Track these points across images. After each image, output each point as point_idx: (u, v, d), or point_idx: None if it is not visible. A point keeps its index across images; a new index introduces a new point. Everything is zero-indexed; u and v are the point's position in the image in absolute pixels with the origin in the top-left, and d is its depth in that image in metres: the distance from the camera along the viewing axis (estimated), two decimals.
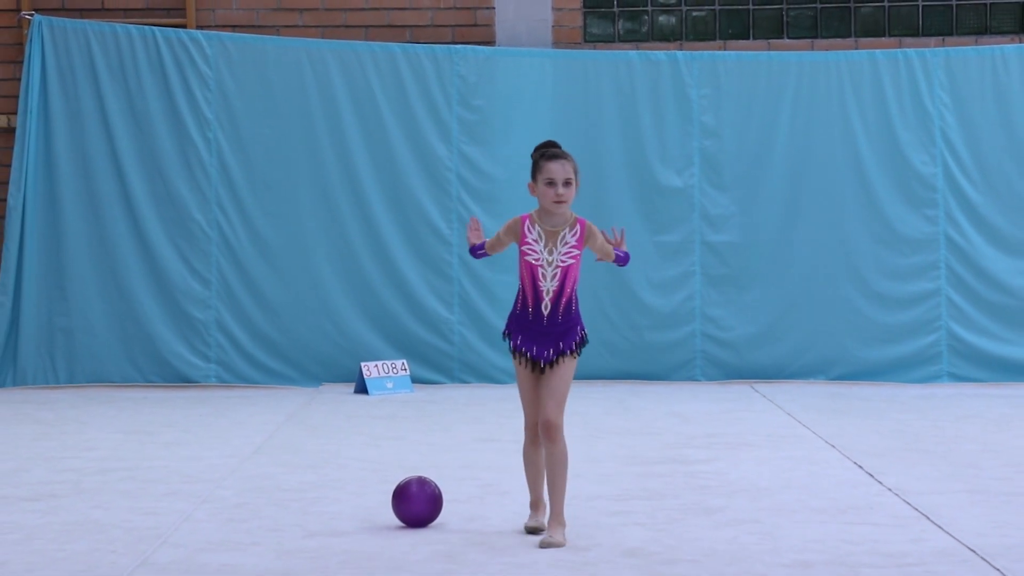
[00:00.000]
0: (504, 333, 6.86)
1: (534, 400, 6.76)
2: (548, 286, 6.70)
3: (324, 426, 10.76)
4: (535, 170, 6.74)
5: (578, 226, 6.76)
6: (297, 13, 13.95)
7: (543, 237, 6.71)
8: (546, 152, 6.73)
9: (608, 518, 7.27)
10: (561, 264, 6.69)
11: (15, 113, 13.48)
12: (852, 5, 14.03)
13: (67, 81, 13.30)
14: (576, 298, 6.79)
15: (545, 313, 6.71)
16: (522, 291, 6.75)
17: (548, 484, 6.75)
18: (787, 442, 9.85)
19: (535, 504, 6.93)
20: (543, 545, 6.55)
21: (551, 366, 6.72)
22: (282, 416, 11.24)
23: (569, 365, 6.74)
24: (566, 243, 6.71)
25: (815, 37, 14.04)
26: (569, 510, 7.37)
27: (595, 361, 13.13)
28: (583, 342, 6.79)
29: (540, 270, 6.69)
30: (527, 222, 6.74)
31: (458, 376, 13.37)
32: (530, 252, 6.70)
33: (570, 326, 6.74)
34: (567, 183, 6.67)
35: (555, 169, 6.67)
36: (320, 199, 13.38)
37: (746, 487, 8.12)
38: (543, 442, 6.73)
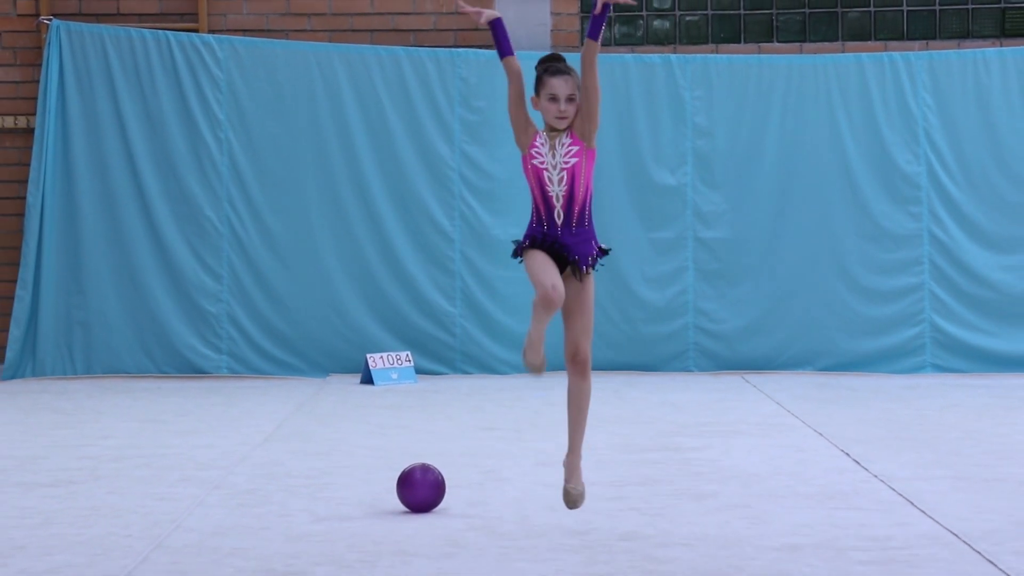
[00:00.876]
0: (517, 248, 6.43)
1: (547, 265, 6.27)
2: (557, 191, 6.33)
3: (332, 415, 10.76)
4: (538, 84, 6.39)
5: (570, 129, 6.37)
6: (305, 18, 13.94)
7: (547, 142, 6.36)
8: (550, 67, 6.38)
9: (604, 504, 7.27)
10: (565, 166, 6.33)
11: (34, 114, 13.47)
12: (839, 10, 14.02)
13: (84, 83, 13.30)
14: (590, 210, 6.41)
15: (559, 221, 6.34)
16: (534, 204, 6.39)
17: (572, 418, 6.47)
18: (777, 430, 9.85)
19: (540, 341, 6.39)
20: (568, 498, 6.31)
21: (575, 273, 6.31)
22: (291, 405, 11.24)
23: (589, 287, 6.38)
24: (563, 144, 6.34)
25: (804, 41, 14.03)
26: None
27: (591, 352, 13.16)
28: (600, 253, 6.42)
29: (546, 174, 6.32)
30: (539, 134, 6.37)
31: (460, 367, 13.36)
32: (536, 155, 6.34)
33: (585, 238, 6.38)
34: (570, 99, 6.31)
35: (557, 84, 6.32)
36: (327, 197, 13.38)
37: (737, 474, 8.12)
38: (572, 376, 6.41)
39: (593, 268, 6.42)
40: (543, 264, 6.30)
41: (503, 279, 13.25)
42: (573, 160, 6.35)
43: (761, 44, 14.03)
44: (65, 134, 13.27)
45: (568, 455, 6.53)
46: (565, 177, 6.35)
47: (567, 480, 6.55)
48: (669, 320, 13.39)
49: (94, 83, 13.30)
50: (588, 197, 6.40)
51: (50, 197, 13.21)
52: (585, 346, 6.42)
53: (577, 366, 6.43)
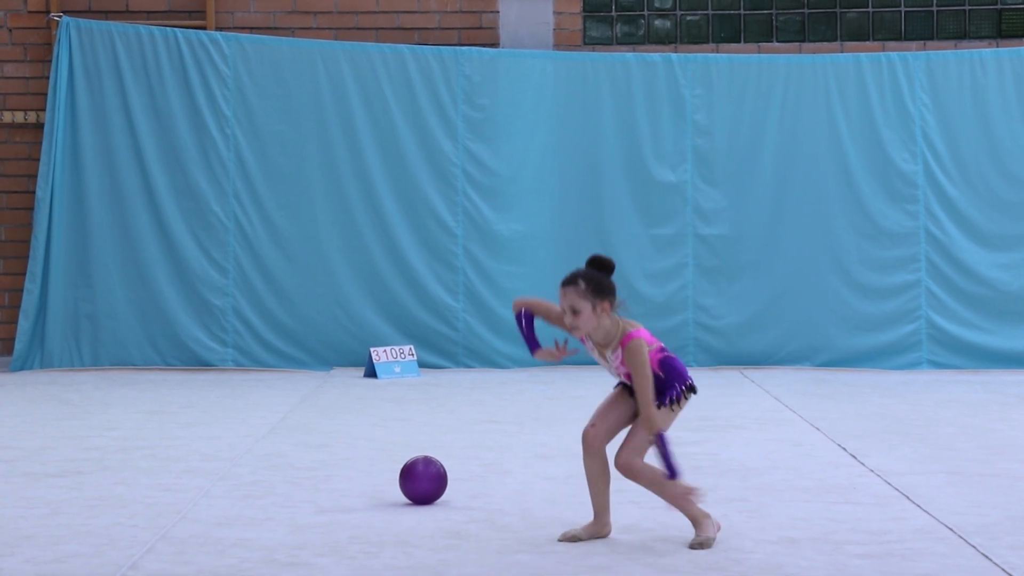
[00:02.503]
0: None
1: (610, 404, 6.31)
2: (619, 377, 6.30)
3: (335, 408, 10.75)
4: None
5: (620, 348, 6.18)
6: (311, 16, 13.93)
7: (595, 349, 6.24)
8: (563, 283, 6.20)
9: None
10: (620, 373, 6.26)
11: (44, 109, 13.46)
12: (838, 11, 14.00)
13: (93, 79, 13.29)
14: (666, 367, 6.22)
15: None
16: None
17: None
18: (775, 425, 9.84)
19: (598, 513, 6.38)
20: (694, 546, 6.12)
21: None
22: (295, 398, 11.23)
23: (663, 412, 6.24)
24: (614, 359, 6.22)
25: (803, 41, 14.01)
26: (567, 489, 7.38)
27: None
28: (679, 398, 6.32)
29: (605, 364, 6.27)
30: (585, 339, 6.23)
31: (462, 361, 13.36)
32: (591, 352, 6.29)
33: (665, 386, 6.25)
34: (573, 311, 6.09)
35: (561, 296, 6.14)
36: (332, 192, 13.37)
37: (735, 467, 8.11)
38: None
39: (669, 405, 6.26)
40: (608, 401, 6.31)
41: (505, 274, 13.26)
42: (626, 369, 6.18)
43: (761, 44, 14.01)
44: (74, 129, 13.26)
45: (697, 523, 6.23)
46: (623, 374, 6.24)
47: (699, 531, 6.24)
48: (669, 315, 13.37)
49: (103, 79, 13.29)
50: (659, 370, 6.20)
51: (59, 191, 13.20)
52: (626, 454, 6.23)
53: (616, 462, 6.25)
